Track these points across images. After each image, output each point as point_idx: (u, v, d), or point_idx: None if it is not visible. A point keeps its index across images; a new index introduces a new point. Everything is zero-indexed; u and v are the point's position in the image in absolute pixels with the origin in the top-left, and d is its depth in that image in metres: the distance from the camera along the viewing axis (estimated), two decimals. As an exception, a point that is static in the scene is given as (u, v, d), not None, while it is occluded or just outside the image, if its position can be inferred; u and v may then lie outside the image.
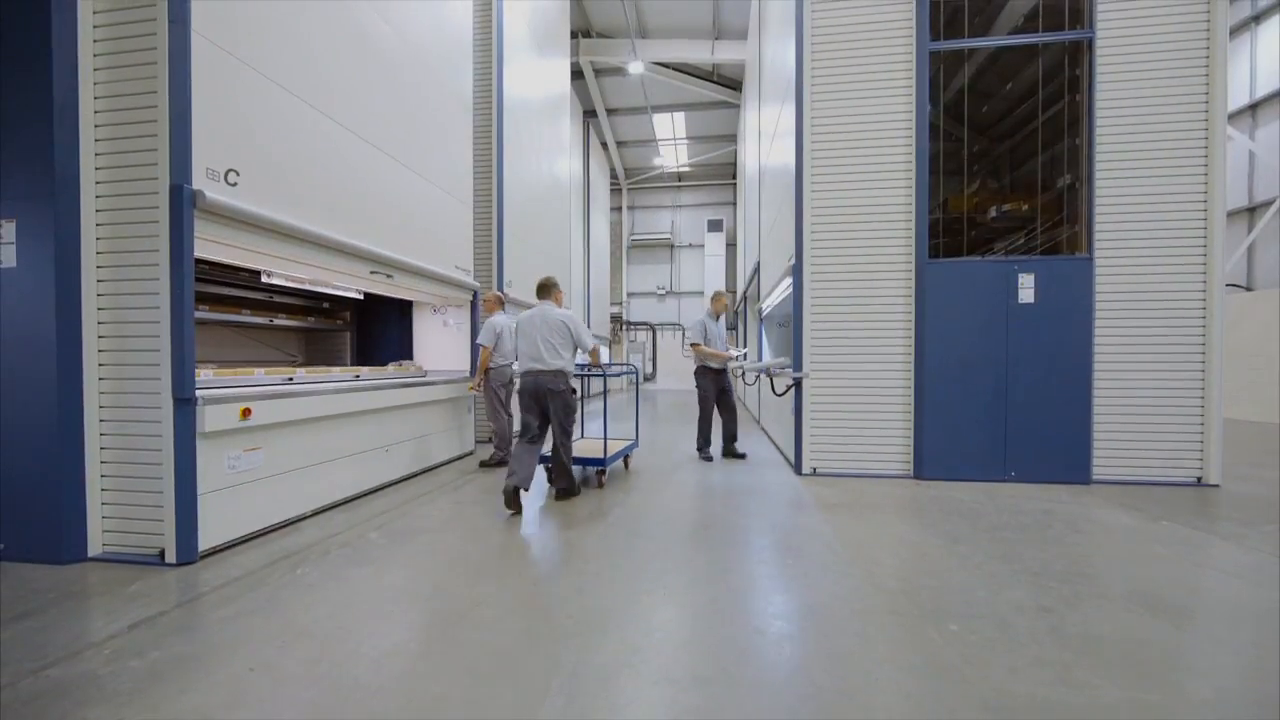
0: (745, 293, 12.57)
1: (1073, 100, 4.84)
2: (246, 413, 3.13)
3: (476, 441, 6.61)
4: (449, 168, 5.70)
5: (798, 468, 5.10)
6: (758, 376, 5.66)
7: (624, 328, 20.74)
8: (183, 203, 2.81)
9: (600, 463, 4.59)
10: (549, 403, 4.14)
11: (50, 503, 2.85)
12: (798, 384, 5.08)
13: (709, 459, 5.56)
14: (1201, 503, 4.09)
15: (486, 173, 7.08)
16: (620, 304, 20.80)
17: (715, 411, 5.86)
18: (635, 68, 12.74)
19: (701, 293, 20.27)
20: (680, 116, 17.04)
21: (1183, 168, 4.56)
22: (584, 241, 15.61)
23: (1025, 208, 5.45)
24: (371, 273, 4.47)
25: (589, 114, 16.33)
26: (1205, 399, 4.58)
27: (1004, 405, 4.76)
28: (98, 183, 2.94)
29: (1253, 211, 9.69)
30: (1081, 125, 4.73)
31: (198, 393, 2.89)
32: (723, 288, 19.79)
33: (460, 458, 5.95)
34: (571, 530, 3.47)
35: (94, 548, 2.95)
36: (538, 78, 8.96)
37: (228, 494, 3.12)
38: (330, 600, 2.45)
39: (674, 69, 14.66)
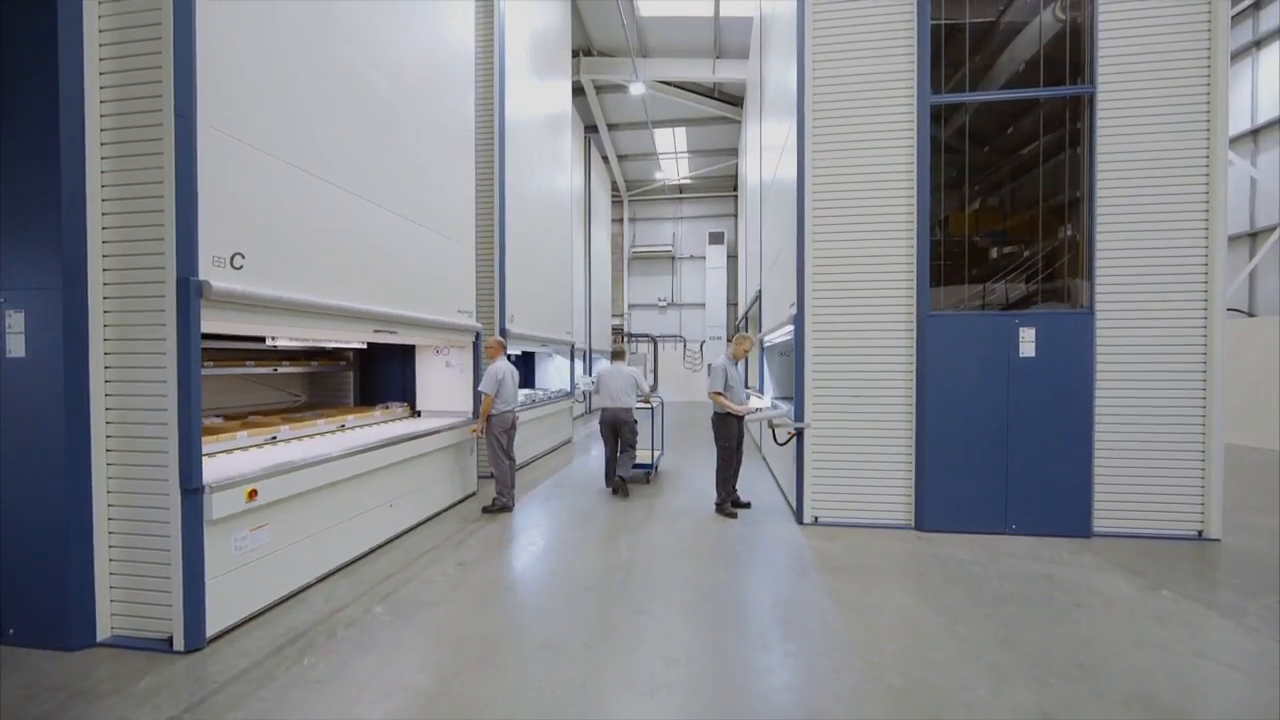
0: (747, 313, 12.58)
1: (1074, 153, 4.85)
2: (253, 494, 3.16)
3: (479, 477, 6.63)
4: (450, 211, 5.73)
5: (799, 516, 5.12)
6: (763, 425, 5.52)
7: (625, 340, 20.75)
8: (190, 295, 2.84)
9: (648, 466, 6.93)
10: (621, 429, 6.20)
11: (59, 589, 2.88)
12: (799, 434, 5.10)
13: (732, 515, 5.35)
14: (1202, 563, 4.11)
15: (488, 202, 7.08)
16: (621, 316, 20.82)
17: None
18: (637, 89, 12.76)
19: (703, 305, 20.29)
20: (681, 131, 17.05)
21: (1183, 226, 4.57)
22: (585, 255, 15.62)
23: (1025, 253, 5.45)
24: (375, 330, 4.49)
25: (590, 129, 16.34)
26: (1206, 453, 4.59)
27: (1005, 457, 4.78)
28: (105, 270, 2.97)
29: (1254, 237, 9.69)
30: (1082, 179, 4.74)
31: (205, 481, 2.92)
32: (724, 299, 19.82)
33: (463, 500, 5.98)
34: (564, 608, 3.50)
35: (103, 631, 2.98)
36: (539, 101, 8.98)
37: (235, 574, 3.14)
38: (338, 697, 2.48)
39: (675, 86, 14.67)
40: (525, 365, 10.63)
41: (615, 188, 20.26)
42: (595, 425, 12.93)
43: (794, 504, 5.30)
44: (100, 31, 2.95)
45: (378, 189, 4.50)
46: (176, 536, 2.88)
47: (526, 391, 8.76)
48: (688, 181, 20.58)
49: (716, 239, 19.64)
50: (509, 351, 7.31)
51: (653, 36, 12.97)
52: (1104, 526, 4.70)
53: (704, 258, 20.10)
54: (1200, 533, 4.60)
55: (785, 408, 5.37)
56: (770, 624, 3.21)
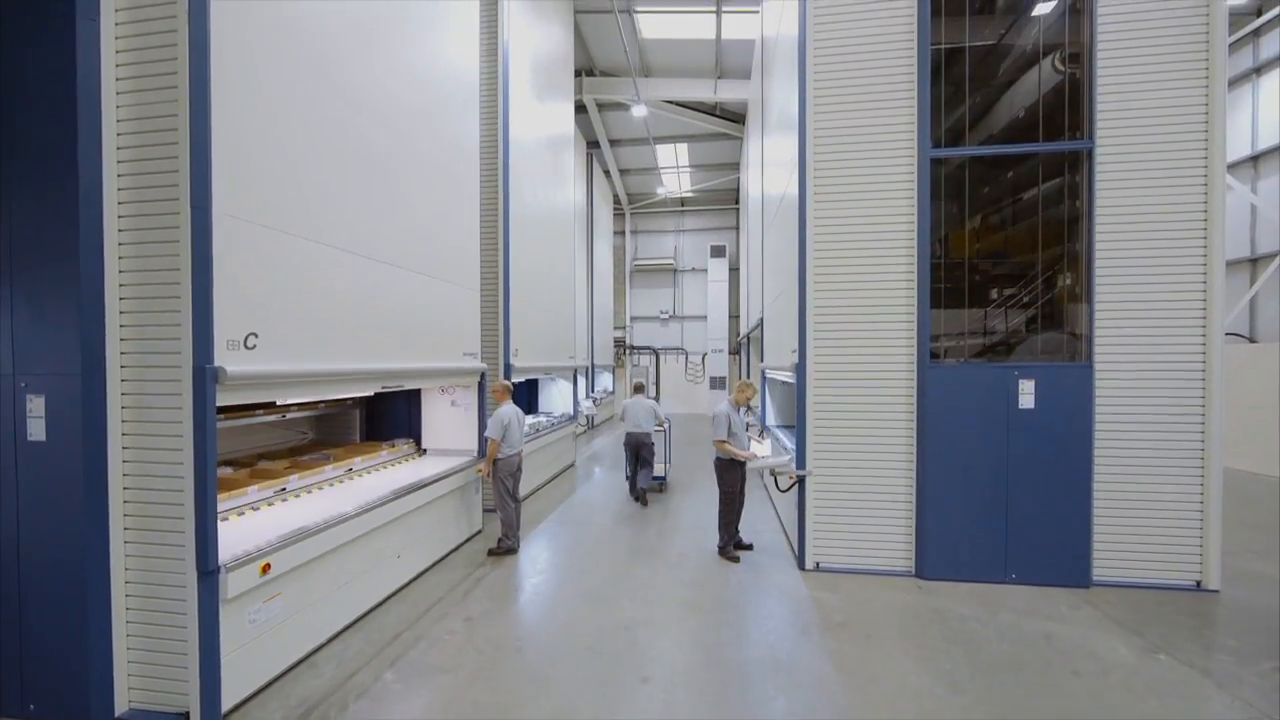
0: (749, 334, 12.64)
1: (1073, 205, 4.90)
2: (266, 568, 3.23)
3: (484, 510, 6.69)
4: (454, 255, 5.80)
5: (801, 562, 5.18)
6: (764, 473, 5.52)
7: (627, 352, 20.83)
8: (206, 382, 2.91)
9: (661, 478, 8.17)
10: (642, 449, 7.61)
11: (79, 667, 2.95)
12: (801, 481, 5.16)
13: (735, 559, 5.41)
14: (1200, 620, 4.15)
15: (491, 229, 7.12)
16: (623, 328, 20.89)
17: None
18: (639, 110, 12.82)
19: (704, 317, 20.34)
20: (683, 147, 17.12)
21: (1182, 283, 4.62)
22: (588, 269, 15.71)
23: (1025, 298, 5.50)
24: (383, 386, 4.57)
25: (591, 144, 16.42)
26: (1204, 504, 4.63)
27: (1004, 506, 4.83)
28: (122, 354, 3.04)
29: (1255, 263, 9.72)
30: (1081, 232, 4.79)
31: (221, 562, 2.99)
32: (725, 311, 19.88)
33: (469, 539, 6.05)
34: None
35: (120, 705, 3.05)
36: (542, 126, 9.05)
37: (250, 646, 3.22)
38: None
39: (677, 104, 14.73)
40: (528, 390, 10.71)
41: (617, 200, 20.34)
42: (597, 445, 13.05)
43: (796, 548, 5.36)
44: (118, 121, 3.02)
45: (383, 246, 4.57)
46: (193, 614, 2.95)
47: (531, 420, 8.83)
48: (689, 195, 20.65)
49: (718, 252, 19.71)
50: (514, 380, 7.40)
51: (654, 57, 13.05)
52: (1103, 576, 4.75)
53: (705, 270, 20.16)
54: (1199, 583, 4.65)
55: (787, 456, 5.43)
56: (772, 694, 3.27)
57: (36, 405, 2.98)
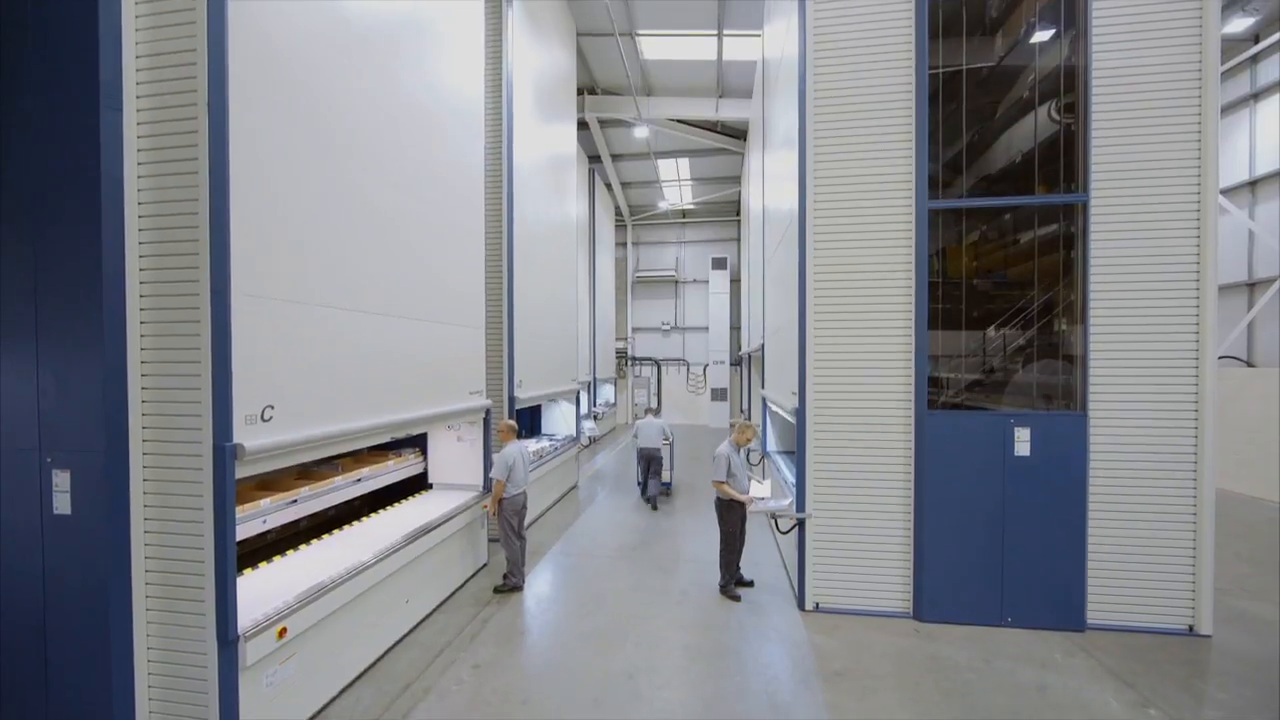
0: (750, 354, 12.73)
1: (1068, 256, 5.00)
2: (283, 633, 3.34)
3: (489, 540, 6.77)
4: (461, 298, 5.90)
5: (801, 602, 5.28)
6: (769, 516, 5.62)
7: (629, 363, 20.94)
8: (225, 460, 3.02)
9: (668, 484, 9.60)
10: (653, 462, 9.03)
11: (103, 733, 3.06)
12: (801, 523, 5.26)
13: (736, 598, 5.51)
14: (1191, 668, 4.24)
15: (495, 249, 7.22)
16: (625, 339, 20.99)
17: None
18: (641, 132, 12.92)
19: (706, 328, 20.42)
20: (684, 161, 17.21)
21: (1176, 333, 4.70)
22: (590, 283, 15.82)
23: (1022, 342, 5.60)
24: (392, 436, 4.67)
25: (593, 159, 16.53)
26: (1197, 549, 4.72)
27: (1000, 551, 4.93)
28: (144, 429, 3.14)
29: (1253, 287, 9.80)
30: (1076, 283, 4.89)
31: (240, 631, 3.10)
32: (727, 323, 19.96)
33: (475, 574, 6.15)
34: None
35: (142, 768, 3.16)
36: (545, 147, 9.13)
37: (266, 707, 3.32)
38: None
39: (678, 121, 14.82)
40: (531, 413, 10.81)
41: (619, 213, 20.44)
42: (599, 462, 13.18)
43: (796, 587, 5.46)
44: (139, 204, 3.12)
45: (392, 300, 4.67)
46: (213, 684, 3.06)
47: (534, 446, 8.93)
48: (691, 207, 20.74)
49: (719, 264, 19.79)
50: (518, 408, 7.50)
51: (656, 77, 13.14)
52: (1097, 619, 4.84)
53: (707, 282, 20.25)
54: (1191, 627, 4.74)
55: (788, 500, 5.52)
56: (773, 753, 3.37)
57: (62, 480, 3.09)
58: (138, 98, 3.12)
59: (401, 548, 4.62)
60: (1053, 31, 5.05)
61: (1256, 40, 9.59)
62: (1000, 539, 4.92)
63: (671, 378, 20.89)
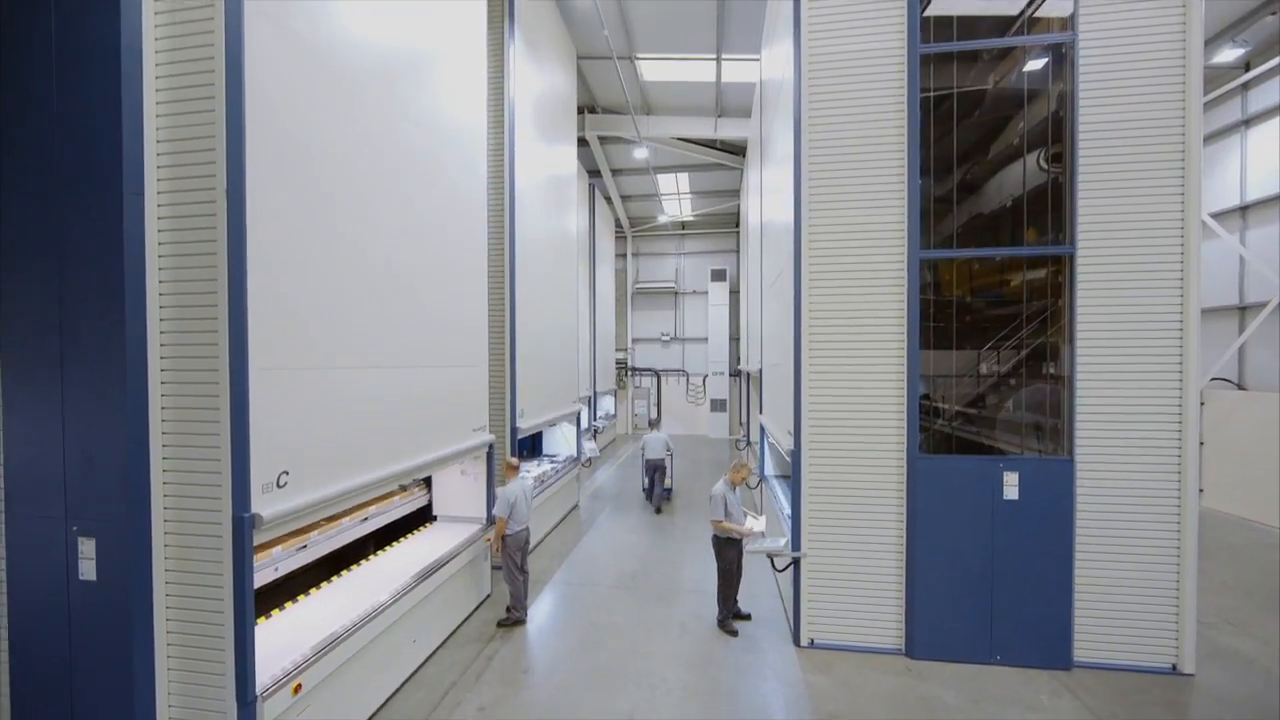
0: (749, 373, 12.87)
1: (1055, 304, 5.14)
2: (298, 689, 3.48)
3: (492, 567, 6.90)
4: (465, 338, 6.05)
5: (796, 638, 5.43)
6: (768, 555, 5.79)
7: (629, 374, 21.08)
8: (244, 531, 3.16)
9: (669, 490, 10.73)
10: (657, 471, 10.30)
11: (127, 789, 3.21)
12: (796, 562, 5.40)
13: (733, 633, 5.68)
14: (1174, 712, 4.39)
15: (499, 303, 7.38)
16: (625, 350, 21.13)
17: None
18: (640, 153, 13.04)
19: (705, 339, 20.56)
20: (684, 176, 17.34)
21: (1160, 380, 4.84)
22: (590, 297, 15.97)
23: (1012, 382, 5.75)
24: (400, 485, 4.82)
25: (593, 173, 16.66)
26: (1180, 591, 4.87)
27: (990, 591, 5.07)
28: (165, 496, 3.29)
29: (1244, 311, 9.94)
30: (1064, 331, 5.03)
31: (258, 692, 3.25)
32: (726, 334, 20.09)
33: (480, 606, 6.29)
34: None
35: (164, 821, 3.31)
36: (546, 175, 9.28)
37: (281, 762, 3.47)
38: None
39: (678, 139, 14.95)
40: (532, 435, 10.93)
41: (618, 224, 20.58)
42: (600, 478, 13.33)
43: (792, 622, 5.61)
44: (160, 283, 3.26)
45: (401, 351, 4.81)
46: (233, 745, 3.21)
47: (536, 472, 9.07)
48: (690, 219, 20.88)
49: (719, 276, 19.93)
50: (520, 437, 7.65)
51: (656, 97, 13.27)
52: (1084, 657, 4.99)
53: (706, 293, 20.39)
54: (1174, 666, 4.88)
55: (784, 540, 5.67)
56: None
57: (87, 547, 3.23)
58: (159, 180, 3.26)
59: (411, 589, 4.76)
60: (1040, 88, 5.19)
61: (1248, 68, 9.73)
62: (989, 579, 5.07)
63: (671, 388, 21.05)
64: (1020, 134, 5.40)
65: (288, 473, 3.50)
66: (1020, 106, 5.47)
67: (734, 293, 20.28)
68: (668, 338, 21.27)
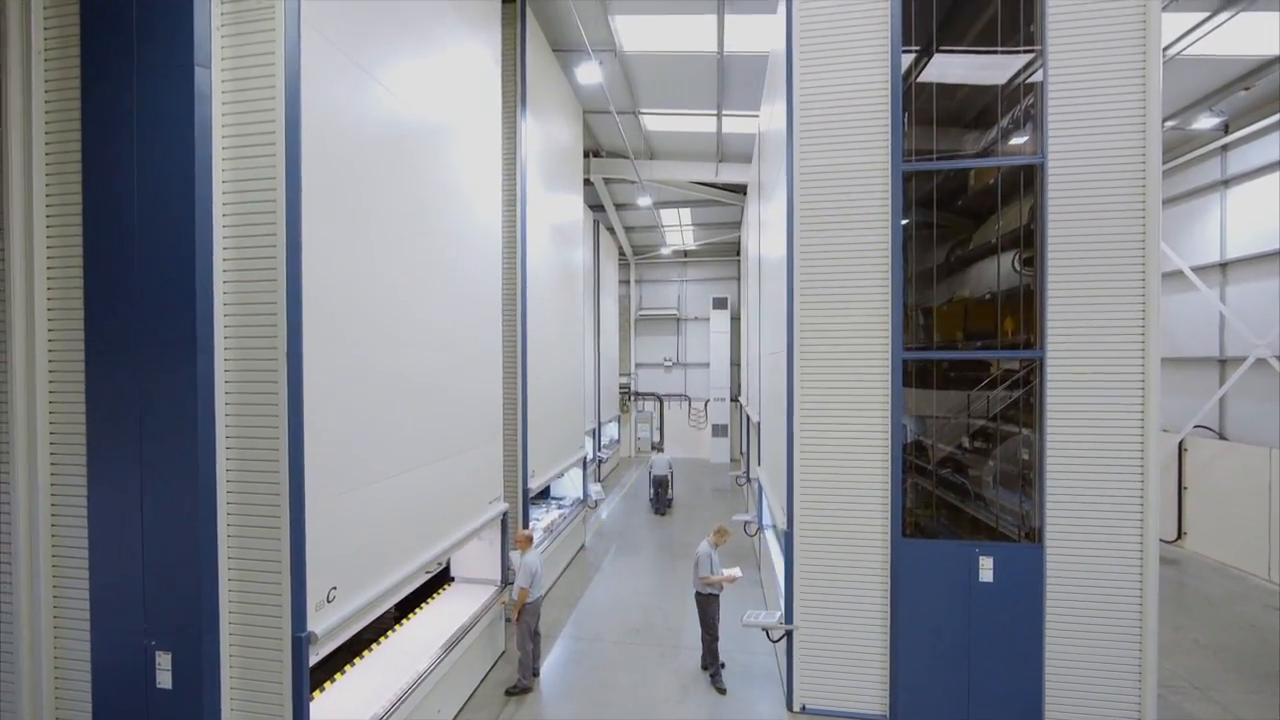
0: (747, 415, 13.31)
1: (1028, 401, 5.58)
2: (344, 779, 3.94)
3: (504, 619, 7.33)
4: (483, 416, 6.51)
5: (789, 703, 5.88)
6: (764, 629, 6.36)
7: (632, 398, 21.54)
8: (302, 650, 3.63)
9: (670, 500, 14.04)
10: (663, 484, 13.70)
11: None
12: (789, 634, 5.85)
13: (723, 691, 6.19)
14: (1130, 785, 4.82)
15: (512, 367, 7.83)
16: (629, 374, 21.60)
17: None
18: (644, 201, 13.50)
19: (707, 364, 21.00)
20: (686, 211, 17.81)
21: (1123, 477, 5.28)
22: (594, 327, 16.43)
23: (990, 461, 6.18)
24: (426, 571, 5.28)
25: (597, 208, 17.13)
26: (1141, 668, 5.29)
27: (967, 664, 5.51)
28: (230, 614, 3.76)
29: (1224, 363, 10.35)
30: (1035, 426, 5.47)
31: (311, 787, 3.71)
32: (727, 360, 20.52)
33: (495, 664, 6.75)
34: None
35: None
36: (551, 227, 9.73)
37: (329, 842, 3.93)
38: None
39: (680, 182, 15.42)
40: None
41: (622, 252, 21.05)
42: (603, 514, 13.76)
43: (785, 687, 6.06)
44: (227, 426, 3.74)
45: (424, 449, 5.25)
46: (289, 831, 3.67)
47: (546, 521, 9.52)
48: (693, 247, 21.34)
49: (720, 304, 20.38)
50: (531, 494, 8.11)
51: (658, 144, 13.74)
52: (1054, 724, 5.43)
53: (708, 320, 20.85)
54: (1137, 734, 5.32)
55: (778, 613, 6.12)
56: None
57: (164, 660, 3.70)
58: (224, 340, 3.73)
59: (439, 663, 5.21)
60: (1013, 201, 5.63)
61: (1227, 130, 10.15)
62: (967, 652, 5.50)
63: (673, 412, 21.49)
64: (996, 235, 5.84)
65: (336, 588, 3.97)
66: (995, 210, 5.91)
67: (735, 319, 20.72)
68: (670, 363, 21.73)
